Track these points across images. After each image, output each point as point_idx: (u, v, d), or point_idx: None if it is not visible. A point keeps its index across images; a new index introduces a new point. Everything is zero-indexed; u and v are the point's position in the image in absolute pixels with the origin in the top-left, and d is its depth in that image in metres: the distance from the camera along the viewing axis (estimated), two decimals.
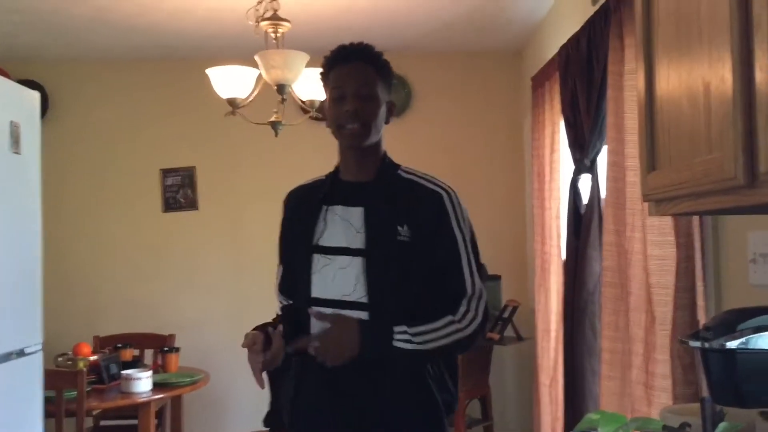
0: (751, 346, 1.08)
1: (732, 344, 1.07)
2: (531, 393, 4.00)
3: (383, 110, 1.82)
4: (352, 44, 1.83)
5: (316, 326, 1.76)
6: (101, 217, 4.65)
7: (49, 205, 4.51)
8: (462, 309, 1.74)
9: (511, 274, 4.41)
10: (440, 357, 1.79)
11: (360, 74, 1.79)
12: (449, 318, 1.72)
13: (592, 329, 2.83)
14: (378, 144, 1.84)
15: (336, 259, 1.76)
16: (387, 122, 1.84)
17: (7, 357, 2.54)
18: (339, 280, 1.75)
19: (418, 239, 1.75)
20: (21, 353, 2.63)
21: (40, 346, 2.73)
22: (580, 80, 2.89)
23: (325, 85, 1.86)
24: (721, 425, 1.01)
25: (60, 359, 3.59)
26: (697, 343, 1.12)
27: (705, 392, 1.22)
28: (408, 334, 1.69)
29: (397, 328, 1.69)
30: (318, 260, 1.78)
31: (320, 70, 1.87)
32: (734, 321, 1.11)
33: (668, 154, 1.37)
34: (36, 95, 2.85)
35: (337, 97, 1.79)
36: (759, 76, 1.00)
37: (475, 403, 4.20)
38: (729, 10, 1.03)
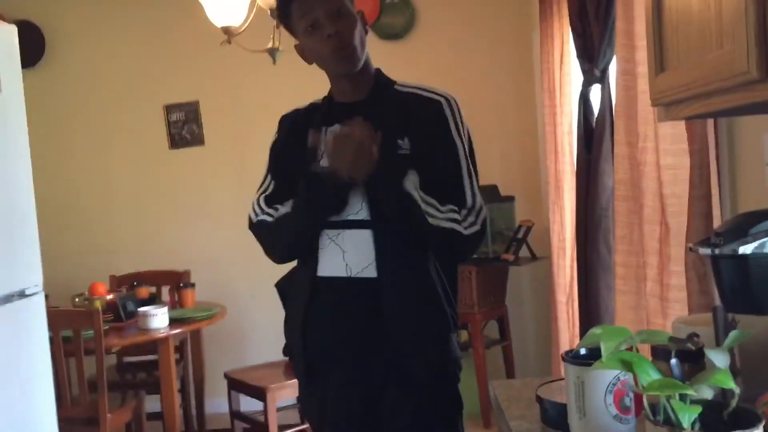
0: (765, 250, 1.03)
1: (744, 249, 1.01)
2: (548, 312, 3.99)
3: (360, 23, 1.74)
4: None
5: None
6: (110, 158, 4.62)
7: (58, 147, 4.50)
8: (464, 212, 1.71)
9: (525, 195, 4.34)
10: (434, 246, 1.73)
11: None
12: (452, 208, 1.69)
13: (606, 245, 2.78)
14: (367, 60, 1.78)
15: None
16: (366, 33, 1.76)
17: (8, 298, 2.54)
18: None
19: (418, 150, 1.71)
20: (22, 294, 2.62)
21: (40, 287, 2.73)
22: None
23: (289, 26, 1.77)
24: (732, 333, 0.97)
25: (77, 299, 3.63)
26: (707, 250, 1.06)
27: (718, 301, 1.17)
28: (416, 190, 1.65)
29: (407, 180, 1.65)
30: None
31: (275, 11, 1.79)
32: (746, 225, 1.05)
33: (677, 54, 1.28)
34: (11, 29, 2.70)
35: (309, 26, 1.71)
36: None
37: (492, 323, 4.21)
38: None
